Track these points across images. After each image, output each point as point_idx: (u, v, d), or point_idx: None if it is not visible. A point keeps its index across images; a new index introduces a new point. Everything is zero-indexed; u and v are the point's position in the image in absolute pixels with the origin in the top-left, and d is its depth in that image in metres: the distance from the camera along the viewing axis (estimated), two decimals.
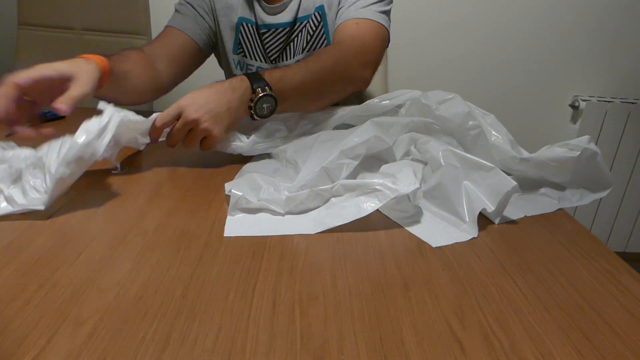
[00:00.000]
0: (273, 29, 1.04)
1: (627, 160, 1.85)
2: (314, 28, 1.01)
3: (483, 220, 0.64)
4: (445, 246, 0.57)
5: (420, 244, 0.57)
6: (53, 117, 0.99)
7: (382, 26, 0.94)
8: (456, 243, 0.58)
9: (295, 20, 1.02)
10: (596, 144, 0.70)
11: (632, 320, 0.45)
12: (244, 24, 1.04)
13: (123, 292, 0.46)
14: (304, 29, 1.03)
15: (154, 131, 0.74)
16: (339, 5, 0.99)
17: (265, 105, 0.78)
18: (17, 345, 0.38)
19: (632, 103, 1.78)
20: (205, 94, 0.74)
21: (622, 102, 1.78)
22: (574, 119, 1.83)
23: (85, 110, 1.13)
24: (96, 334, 0.40)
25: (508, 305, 0.47)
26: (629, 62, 1.81)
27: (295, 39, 1.04)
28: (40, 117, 0.98)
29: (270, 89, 0.77)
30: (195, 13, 1.04)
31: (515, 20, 1.73)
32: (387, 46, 1.00)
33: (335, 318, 0.43)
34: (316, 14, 1.00)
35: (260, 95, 0.76)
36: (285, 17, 1.01)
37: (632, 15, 1.74)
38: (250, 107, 0.77)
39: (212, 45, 1.09)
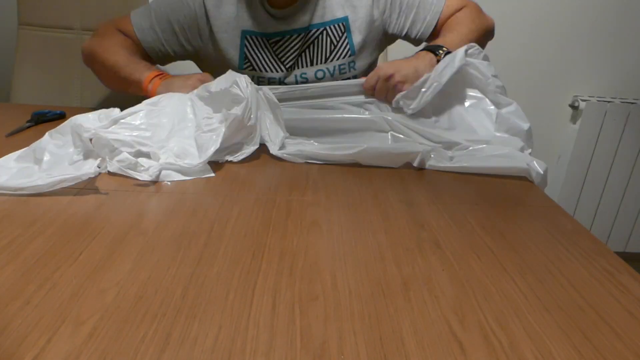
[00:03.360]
0: (287, 36, 1.01)
1: (627, 160, 1.84)
2: (337, 38, 1.01)
3: (481, 219, 0.64)
4: (445, 246, 0.57)
5: (420, 244, 0.57)
6: (53, 117, 0.99)
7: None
8: (455, 242, 0.58)
9: (308, 26, 1.01)
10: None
11: (632, 320, 0.45)
12: (249, 37, 1.01)
13: (123, 292, 0.46)
14: (321, 37, 1.02)
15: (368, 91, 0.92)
16: (384, 15, 1.05)
17: None
18: (17, 345, 0.38)
19: (632, 103, 1.78)
20: (396, 62, 0.94)
21: (622, 102, 1.78)
22: (573, 119, 1.83)
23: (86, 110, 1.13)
24: (96, 334, 0.40)
25: (508, 305, 0.47)
26: (629, 62, 1.80)
27: (312, 46, 1.03)
28: (40, 116, 0.99)
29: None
30: (170, 30, 1.02)
31: (515, 20, 1.72)
32: None
33: (335, 318, 0.43)
34: (340, 24, 1.02)
35: (444, 54, 0.92)
36: (298, 22, 1.00)
37: (632, 15, 1.74)
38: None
39: (165, 61, 1.08)
